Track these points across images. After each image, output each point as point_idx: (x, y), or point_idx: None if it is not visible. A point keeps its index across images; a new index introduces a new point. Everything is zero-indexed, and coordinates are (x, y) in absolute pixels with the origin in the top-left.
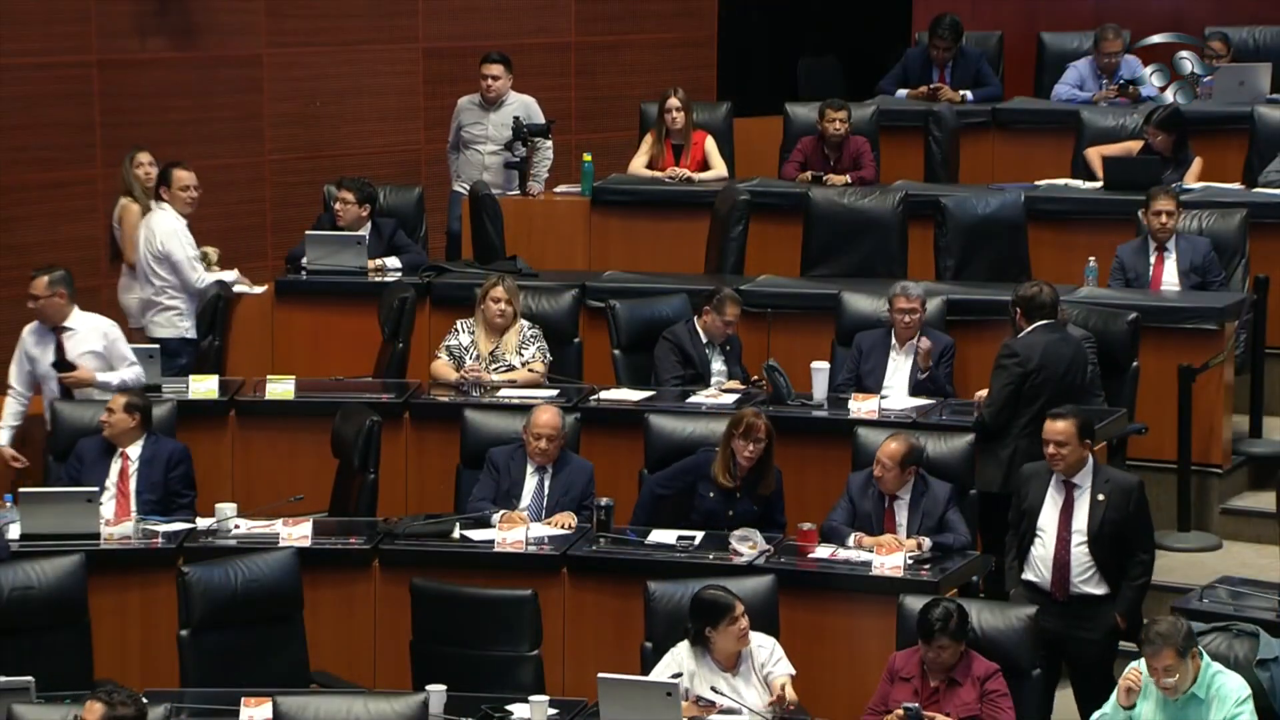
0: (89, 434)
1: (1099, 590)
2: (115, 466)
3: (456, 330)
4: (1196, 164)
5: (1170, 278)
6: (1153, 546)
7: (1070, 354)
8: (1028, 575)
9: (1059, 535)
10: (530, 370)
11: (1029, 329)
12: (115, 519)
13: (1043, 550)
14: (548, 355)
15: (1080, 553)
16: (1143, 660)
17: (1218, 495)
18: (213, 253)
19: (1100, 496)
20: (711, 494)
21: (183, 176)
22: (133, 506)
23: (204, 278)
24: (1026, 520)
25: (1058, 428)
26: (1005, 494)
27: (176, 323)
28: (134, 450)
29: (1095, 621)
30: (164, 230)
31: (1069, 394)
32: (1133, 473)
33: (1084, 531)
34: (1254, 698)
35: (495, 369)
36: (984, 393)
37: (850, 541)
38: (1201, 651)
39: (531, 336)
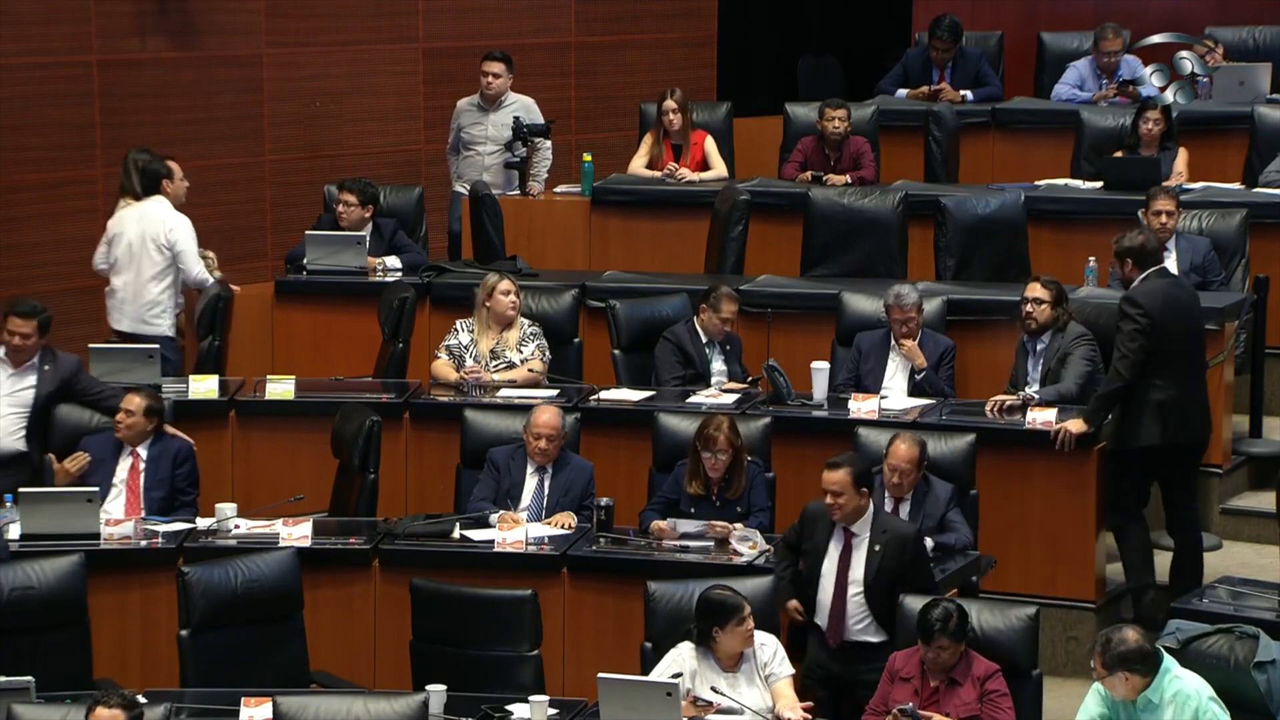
0: (90, 431)
1: (876, 638)
2: (125, 464)
3: (456, 330)
4: (1182, 152)
5: None
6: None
7: (1188, 299)
8: (816, 618)
9: (837, 583)
10: (529, 369)
11: (1141, 277)
12: (125, 516)
13: (823, 596)
14: (546, 353)
15: (856, 603)
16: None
17: (1218, 495)
18: (212, 258)
19: (876, 547)
20: (693, 510)
21: (178, 167)
22: (141, 504)
23: (204, 271)
24: (809, 560)
25: (833, 477)
26: (1166, 445)
27: (152, 320)
28: (143, 448)
29: (875, 665)
30: (175, 220)
31: (1194, 336)
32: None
33: (860, 581)
34: (1250, 700)
35: (496, 365)
36: (1007, 395)
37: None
38: (1161, 663)
39: (531, 334)
